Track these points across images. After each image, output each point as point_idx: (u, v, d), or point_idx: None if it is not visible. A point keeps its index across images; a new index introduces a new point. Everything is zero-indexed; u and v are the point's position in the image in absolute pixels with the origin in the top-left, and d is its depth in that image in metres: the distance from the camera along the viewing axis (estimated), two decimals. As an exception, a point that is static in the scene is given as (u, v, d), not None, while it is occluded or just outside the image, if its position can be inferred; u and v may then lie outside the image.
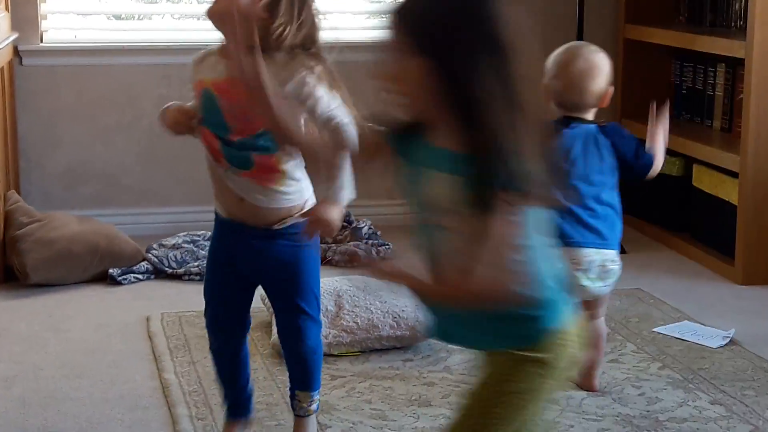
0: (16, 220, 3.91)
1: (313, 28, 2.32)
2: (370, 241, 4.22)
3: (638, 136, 4.51)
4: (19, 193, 4.19)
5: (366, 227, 4.28)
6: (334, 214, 2.34)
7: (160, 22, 4.65)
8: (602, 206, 2.77)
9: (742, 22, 4.23)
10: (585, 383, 2.91)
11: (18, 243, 3.85)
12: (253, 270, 2.47)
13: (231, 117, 2.33)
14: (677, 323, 3.48)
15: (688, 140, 4.20)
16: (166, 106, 2.48)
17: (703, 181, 4.16)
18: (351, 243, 4.19)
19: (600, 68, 2.78)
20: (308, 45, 2.31)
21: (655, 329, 3.43)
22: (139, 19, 4.64)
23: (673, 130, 4.39)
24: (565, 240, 2.72)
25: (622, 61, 4.66)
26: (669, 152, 4.34)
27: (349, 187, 2.34)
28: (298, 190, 2.42)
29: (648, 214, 4.55)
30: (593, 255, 2.77)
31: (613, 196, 2.80)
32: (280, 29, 2.26)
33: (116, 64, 4.44)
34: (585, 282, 2.78)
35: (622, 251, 4.20)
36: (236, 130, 2.34)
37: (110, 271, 3.89)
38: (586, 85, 2.76)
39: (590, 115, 2.81)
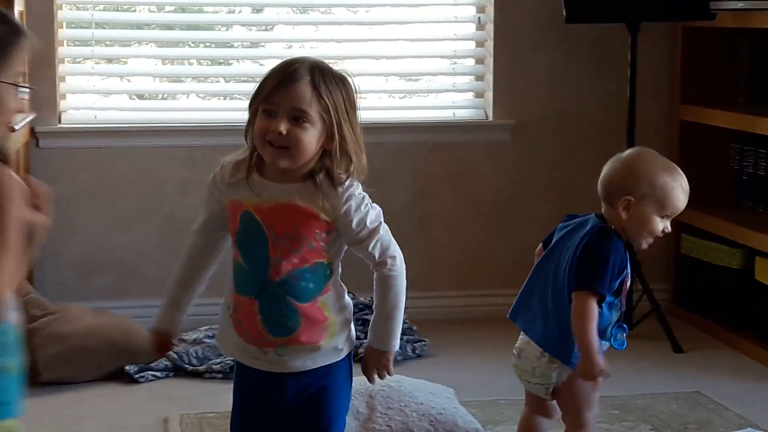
0: (28, 313, 3.94)
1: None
2: (405, 337, 4.21)
3: (693, 225, 4.54)
4: (32, 284, 4.23)
5: (401, 322, 4.26)
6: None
7: (185, 102, 4.73)
8: (553, 301, 2.72)
9: (807, 103, 4.24)
10: None
11: (29, 338, 3.87)
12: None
13: (276, 247, 2.25)
14: (741, 431, 3.42)
15: (749, 230, 4.17)
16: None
17: (767, 274, 4.13)
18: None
19: (626, 170, 2.75)
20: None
21: (716, 437, 3.39)
22: (163, 98, 4.72)
23: (733, 218, 4.40)
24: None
25: (677, 144, 4.66)
26: (729, 243, 4.35)
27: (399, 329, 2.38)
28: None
29: (707, 310, 4.51)
30: (523, 342, 2.78)
31: (563, 297, 2.70)
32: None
33: (138, 146, 4.50)
34: (514, 365, 2.80)
35: (679, 350, 4.21)
36: (279, 265, 2.26)
37: (127, 368, 3.90)
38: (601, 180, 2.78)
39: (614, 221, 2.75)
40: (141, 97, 4.73)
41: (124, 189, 4.53)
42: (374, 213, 2.29)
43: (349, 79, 2.30)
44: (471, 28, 4.77)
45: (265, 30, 4.77)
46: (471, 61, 4.79)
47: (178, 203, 4.52)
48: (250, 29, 4.78)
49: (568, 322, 2.66)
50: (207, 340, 4.07)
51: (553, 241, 2.79)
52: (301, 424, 2.34)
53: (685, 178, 2.77)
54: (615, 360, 2.84)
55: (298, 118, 2.21)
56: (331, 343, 2.32)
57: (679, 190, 2.73)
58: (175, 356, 3.97)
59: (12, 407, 1.89)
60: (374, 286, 2.35)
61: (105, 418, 3.56)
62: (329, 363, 2.33)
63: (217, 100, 4.72)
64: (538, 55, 4.71)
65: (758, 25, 4.22)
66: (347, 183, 2.26)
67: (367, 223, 2.27)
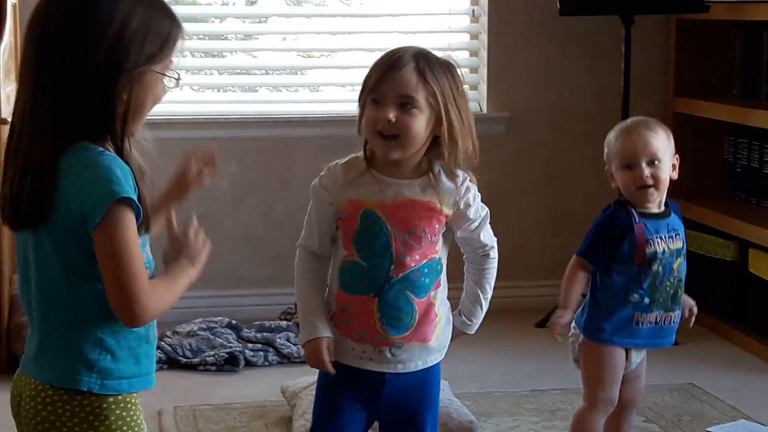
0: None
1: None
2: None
3: (687, 217, 4.53)
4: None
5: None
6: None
7: (179, 95, 4.72)
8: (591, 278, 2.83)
9: (800, 96, 4.24)
10: None
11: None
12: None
13: (399, 244, 2.22)
14: (734, 423, 3.43)
15: (743, 222, 4.18)
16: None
17: (761, 266, 4.13)
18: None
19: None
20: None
21: (709, 429, 3.38)
22: (156, 91, 4.70)
23: (726, 211, 4.41)
24: None
25: (671, 136, 4.66)
26: (722, 235, 4.36)
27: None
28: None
29: (700, 302, 4.46)
30: None
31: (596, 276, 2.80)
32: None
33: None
34: None
35: (672, 342, 4.21)
36: (402, 261, 2.23)
37: (121, 360, 3.90)
38: None
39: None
40: (135, 89, 4.72)
41: (118, 181, 4.52)
42: (480, 202, 2.32)
43: (455, 64, 2.29)
44: (465, 21, 4.76)
45: (259, 22, 4.76)
46: (465, 54, 4.79)
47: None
48: (244, 21, 4.78)
49: (592, 295, 2.77)
50: (201, 333, 4.07)
51: None
52: (395, 424, 2.32)
53: (639, 121, 2.79)
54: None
55: (406, 105, 2.19)
56: (439, 342, 2.29)
57: (621, 136, 2.75)
58: (169, 348, 3.97)
59: (152, 378, 1.93)
60: (470, 272, 2.36)
61: (99, 411, 3.55)
62: (434, 364, 2.30)
63: (211, 93, 4.72)
64: (532, 47, 4.70)
65: (752, 18, 4.23)
66: (462, 173, 2.28)
67: (481, 213, 2.31)
